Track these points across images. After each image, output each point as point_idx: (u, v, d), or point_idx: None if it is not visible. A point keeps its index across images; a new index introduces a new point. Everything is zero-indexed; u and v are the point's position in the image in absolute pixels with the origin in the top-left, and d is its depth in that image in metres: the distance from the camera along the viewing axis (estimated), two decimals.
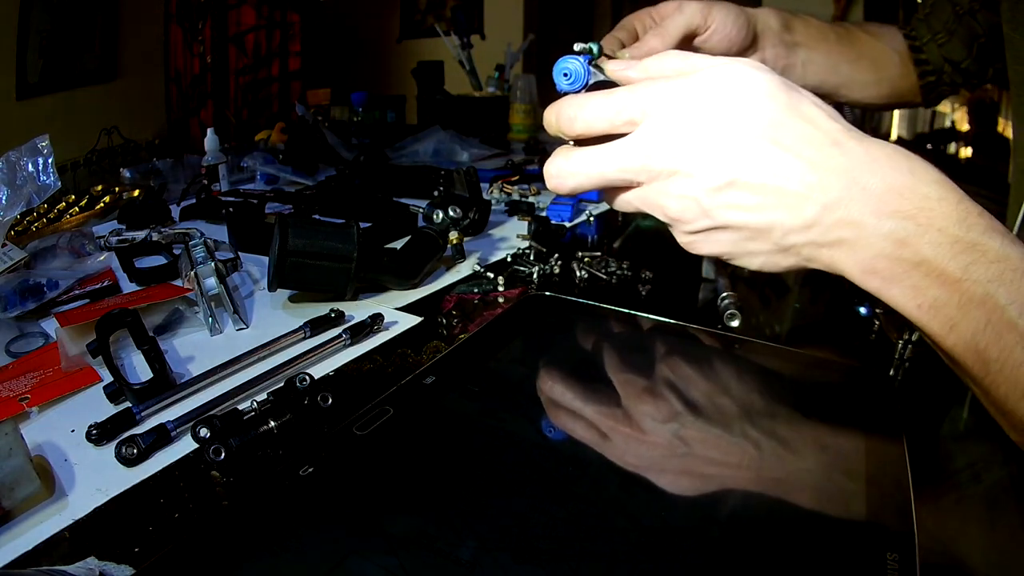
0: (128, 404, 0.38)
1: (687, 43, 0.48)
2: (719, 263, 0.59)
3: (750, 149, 0.29)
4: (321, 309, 0.51)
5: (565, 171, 0.33)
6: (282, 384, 0.39)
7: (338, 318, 0.50)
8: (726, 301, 0.50)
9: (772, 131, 0.29)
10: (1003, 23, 0.51)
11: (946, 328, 0.28)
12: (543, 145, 1.26)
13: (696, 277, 0.60)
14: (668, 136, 0.30)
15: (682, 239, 0.34)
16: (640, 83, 0.31)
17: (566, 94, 0.34)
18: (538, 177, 1.04)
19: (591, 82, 0.34)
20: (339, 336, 0.47)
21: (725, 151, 0.29)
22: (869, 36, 0.59)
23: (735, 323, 0.48)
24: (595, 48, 0.34)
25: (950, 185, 0.27)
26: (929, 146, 2.20)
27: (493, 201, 0.83)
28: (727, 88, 0.29)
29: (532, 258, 0.65)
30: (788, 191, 0.29)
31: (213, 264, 0.54)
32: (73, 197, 0.90)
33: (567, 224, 0.80)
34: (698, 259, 0.63)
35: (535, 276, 0.62)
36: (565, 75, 0.33)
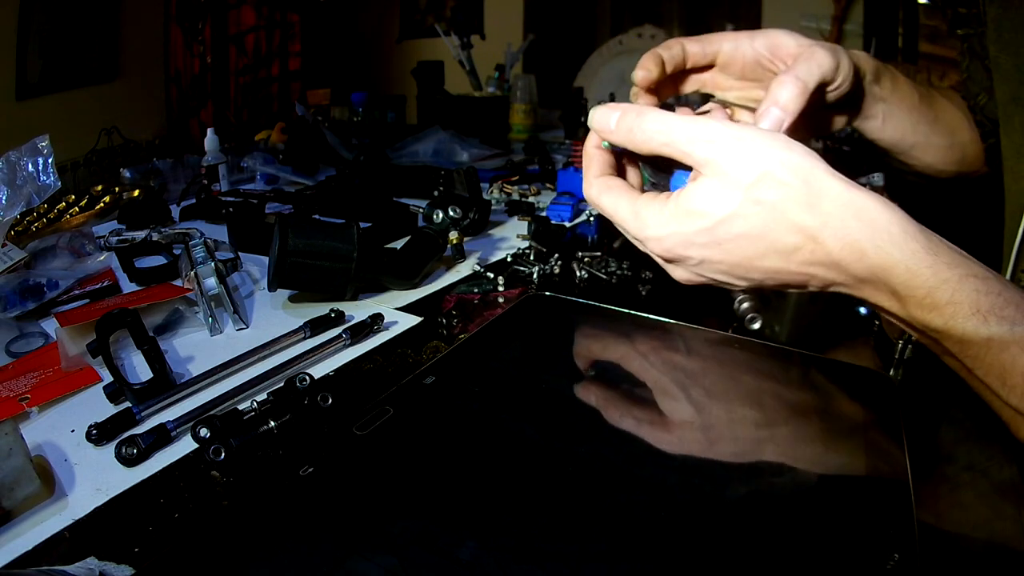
0: (128, 404, 0.38)
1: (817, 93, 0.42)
2: None
3: (759, 267, 0.32)
4: (321, 309, 0.51)
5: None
6: (282, 384, 0.39)
7: (338, 318, 0.50)
8: (745, 304, 0.50)
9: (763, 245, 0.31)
10: (989, 45, 0.51)
11: (936, 353, 0.32)
12: (544, 145, 1.25)
13: None
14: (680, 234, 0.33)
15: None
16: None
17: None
18: (538, 177, 1.04)
19: None
20: (339, 336, 0.47)
21: (721, 257, 0.32)
22: (945, 99, 0.58)
23: (756, 325, 0.48)
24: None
25: (922, 275, 0.29)
26: None
27: (493, 201, 0.83)
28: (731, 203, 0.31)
29: (532, 258, 0.65)
30: (793, 284, 0.33)
31: (213, 264, 0.54)
32: (73, 197, 0.90)
33: (567, 224, 0.80)
34: None
35: (535, 276, 0.62)
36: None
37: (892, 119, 0.52)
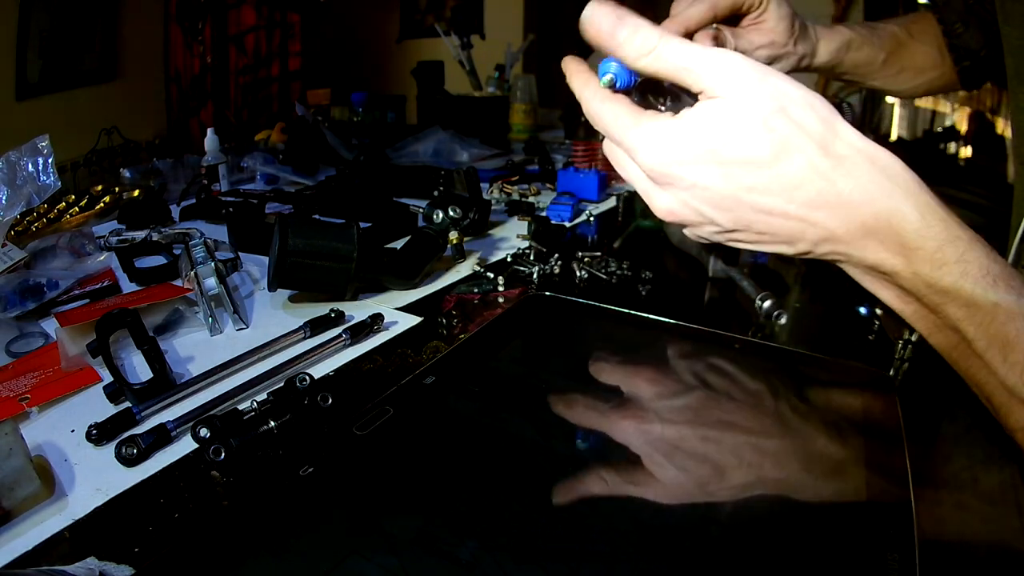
0: (128, 404, 0.38)
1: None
2: (731, 261, 0.59)
3: (755, 203, 0.30)
4: (321, 309, 0.51)
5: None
6: (282, 384, 0.39)
7: (338, 318, 0.50)
8: (767, 303, 0.50)
9: (765, 182, 0.30)
10: (997, 14, 0.52)
11: (927, 332, 0.32)
12: (544, 145, 1.26)
13: (700, 277, 0.61)
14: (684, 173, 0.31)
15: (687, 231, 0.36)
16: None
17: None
18: (538, 177, 1.04)
19: (637, 80, 0.33)
20: (339, 336, 0.47)
21: (732, 200, 0.31)
22: (914, 42, 0.59)
23: (783, 320, 0.49)
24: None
25: (935, 228, 0.28)
26: (942, 146, 2.18)
27: (493, 201, 0.83)
28: (738, 132, 0.30)
29: (532, 258, 0.65)
30: (782, 236, 0.31)
31: (213, 264, 0.54)
32: (73, 197, 0.90)
33: (567, 224, 0.80)
34: (698, 260, 0.63)
35: (535, 276, 0.62)
36: (612, 81, 0.32)
37: (841, 77, 0.57)
